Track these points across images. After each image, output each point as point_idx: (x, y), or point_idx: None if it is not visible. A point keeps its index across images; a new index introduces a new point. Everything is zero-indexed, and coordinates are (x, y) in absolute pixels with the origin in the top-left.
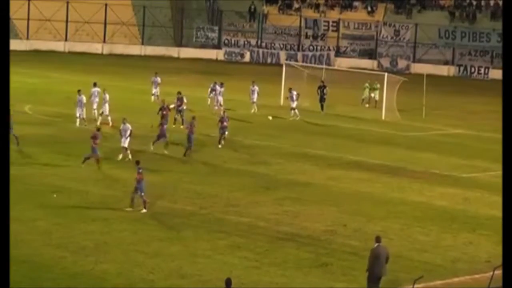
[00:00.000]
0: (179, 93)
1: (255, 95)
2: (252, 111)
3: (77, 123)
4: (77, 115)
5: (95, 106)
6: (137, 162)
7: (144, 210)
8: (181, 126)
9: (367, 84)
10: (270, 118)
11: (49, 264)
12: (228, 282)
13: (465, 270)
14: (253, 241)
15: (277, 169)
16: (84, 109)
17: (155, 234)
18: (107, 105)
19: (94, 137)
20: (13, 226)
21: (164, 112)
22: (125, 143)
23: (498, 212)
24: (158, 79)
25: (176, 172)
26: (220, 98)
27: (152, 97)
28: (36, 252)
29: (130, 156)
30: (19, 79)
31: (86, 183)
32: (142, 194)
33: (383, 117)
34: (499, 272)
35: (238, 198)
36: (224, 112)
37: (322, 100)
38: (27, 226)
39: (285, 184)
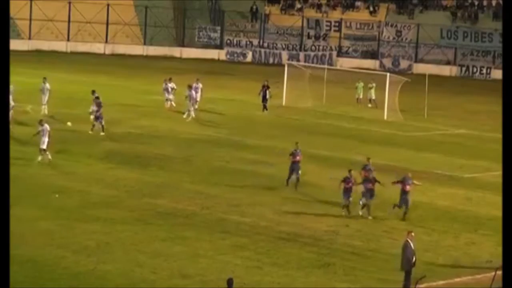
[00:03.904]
0: (93, 92)
1: (199, 93)
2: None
3: None
4: None
5: (44, 101)
6: None
7: None
8: (101, 133)
9: (357, 84)
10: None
11: (50, 264)
12: (230, 282)
13: (467, 271)
14: (255, 241)
15: (279, 169)
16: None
17: (157, 234)
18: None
19: (346, 181)
20: (14, 227)
21: (351, 184)
22: (44, 144)
23: (500, 212)
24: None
25: (178, 172)
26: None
27: None
28: (38, 252)
29: (49, 157)
30: (21, 79)
31: (87, 183)
32: None
33: (385, 117)
34: (500, 272)
35: (240, 198)
36: (297, 145)
37: (264, 100)
38: (28, 226)
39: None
